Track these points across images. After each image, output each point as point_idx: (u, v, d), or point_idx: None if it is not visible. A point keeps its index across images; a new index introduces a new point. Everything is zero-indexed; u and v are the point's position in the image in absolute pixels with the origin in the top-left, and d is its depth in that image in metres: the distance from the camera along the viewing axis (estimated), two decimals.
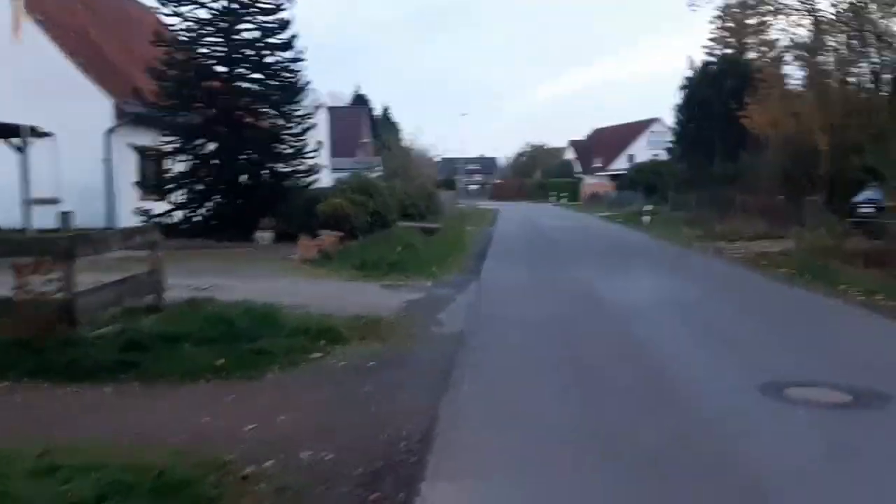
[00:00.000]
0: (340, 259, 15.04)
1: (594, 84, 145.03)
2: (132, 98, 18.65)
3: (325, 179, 27.86)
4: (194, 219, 18.65)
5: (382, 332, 7.87)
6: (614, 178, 75.44)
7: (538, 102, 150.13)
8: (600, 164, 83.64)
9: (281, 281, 11.99)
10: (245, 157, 19.10)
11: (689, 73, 38.94)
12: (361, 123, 66.25)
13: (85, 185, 20.65)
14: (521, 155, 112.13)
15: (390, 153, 47.59)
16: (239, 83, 19.23)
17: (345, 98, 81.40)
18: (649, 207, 32.65)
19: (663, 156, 68.29)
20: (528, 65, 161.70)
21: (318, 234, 16.96)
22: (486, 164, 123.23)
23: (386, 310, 9.32)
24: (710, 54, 39.87)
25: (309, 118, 19.91)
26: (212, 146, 18.92)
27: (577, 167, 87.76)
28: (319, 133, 44.58)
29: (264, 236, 17.28)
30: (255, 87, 19.41)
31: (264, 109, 19.44)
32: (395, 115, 70.19)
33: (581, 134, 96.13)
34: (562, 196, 70.88)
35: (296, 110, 19.75)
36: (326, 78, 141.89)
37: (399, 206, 30.99)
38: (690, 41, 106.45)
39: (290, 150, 19.66)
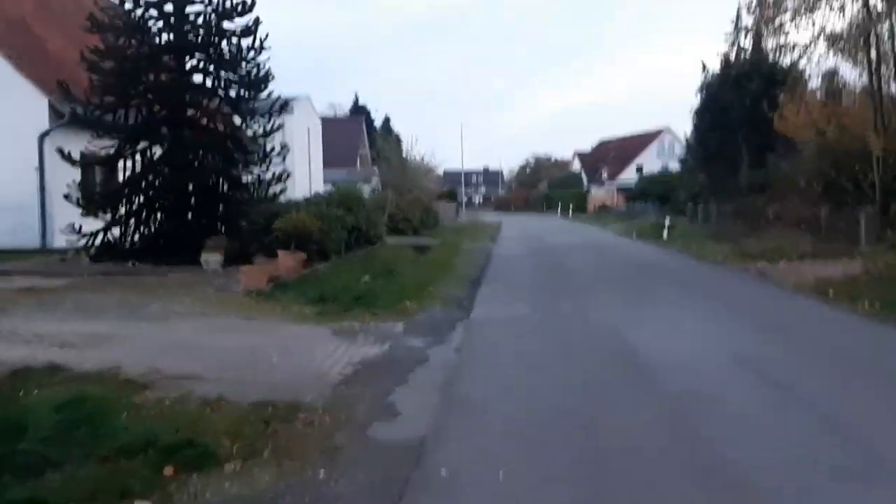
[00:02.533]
0: (297, 289, 11.95)
1: (600, 95, 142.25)
2: (60, 94, 15.62)
3: (315, 192, 24.80)
4: (133, 238, 15.56)
5: (287, 440, 4.71)
6: (623, 189, 72.65)
7: (543, 114, 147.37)
8: (608, 176, 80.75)
9: (197, 326, 8.88)
10: (197, 163, 16.05)
11: (704, 79, 36.00)
12: (359, 134, 63.47)
13: (15, 198, 17.74)
14: (525, 166, 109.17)
15: (388, 164, 44.61)
16: (190, 76, 16.18)
17: (345, 109, 78.92)
18: (667, 221, 29.45)
19: (674, 166, 65.57)
20: (531, 76, 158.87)
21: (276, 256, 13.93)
22: (490, 176, 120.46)
23: (318, 385, 6.20)
24: (727, 57, 36.76)
25: (274, 117, 16.81)
26: (157, 151, 15.87)
27: (584, 179, 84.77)
28: (298, 140, 41.95)
29: (211, 259, 14.18)
30: (209, 80, 16.36)
31: (220, 108, 16.36)
32: (397, 126, 67.11)
33: (587, 145, 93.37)
34: (568, 208, 67.69)
35: (259, 108, 16.68)
36: (326, 89, 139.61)
37: (389, 221, 28.02)
38: (698, 49, 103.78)
39: (250, 156, 16.57)
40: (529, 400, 5.91)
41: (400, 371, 6.79)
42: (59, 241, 16.57)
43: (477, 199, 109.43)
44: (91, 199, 15.22)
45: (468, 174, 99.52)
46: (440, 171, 64.44)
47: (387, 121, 74.69)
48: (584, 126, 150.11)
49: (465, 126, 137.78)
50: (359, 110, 74.65)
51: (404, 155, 46.57)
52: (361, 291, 11.64)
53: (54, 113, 17.62)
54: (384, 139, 48.97)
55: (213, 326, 8.86)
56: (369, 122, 70.90)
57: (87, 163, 15.69)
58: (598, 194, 76.23)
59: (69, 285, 12.12)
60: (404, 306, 10.63)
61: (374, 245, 21.02)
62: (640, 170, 74.43)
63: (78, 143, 15.78)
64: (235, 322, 9.25)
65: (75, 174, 16.03)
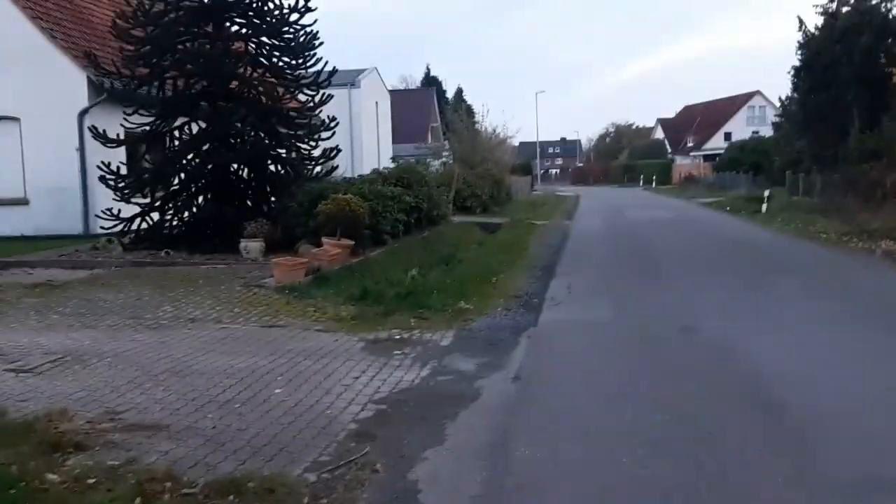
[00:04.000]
0: (338, 283, 10.31)
1: (683, 59, 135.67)
2: (92, 67, 14.35)
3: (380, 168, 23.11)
4: (172, 223, 14.25)
5: None
6: (710, 158, 68.58)
7: (622, 81, 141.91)
8: (693, 144, 76.55)
9: (203, 338, 7.29)
10: (239, 139, 14.57)
11: (804, 35, 32.42)
12: (430, 106, 61.73)
13: (56, 180, 16.75)
14: (605, 136, 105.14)
15: (459, 137, 42.69)
16: (230, 43, 14.64)
17: (416, 82, 77.17)
18: (766, 193, 26.52)
19: (766, 132, 61.15)
20: (609, 43, 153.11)
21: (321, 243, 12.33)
22: (568, 147, 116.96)
23: (319, 441, 4.47)
24: (826, 12, 32.90)
25: (325, 86, 15.11)
26: (196, 128, 14.46)
27: (668, 147, 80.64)
28: (365, 114, 40.43)
29: (250, 247, 12.68)
30: (251, 48, 14.80)
31: (264, 78, 14.79)
32: (470, 98, 64.88)
33: (671, 112, 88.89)
34: (651, 180, 64.24)
35: (307, 77, 15.03)
36: (399, 62, 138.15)
37: (456, 198, 26.17)
38: (789, 6, 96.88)
39: (299, 130, 14.97)
40: (617, 473, 4.01)
41: (437, 416, 4.97)
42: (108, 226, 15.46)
43: (554, 171, 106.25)
44: (124, 181, 13.94)
45: (544, 146, 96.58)
46: (515, 143, 62.11)
47: (459, 92, 72.60)
48: (666, 91, 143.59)
49: (541, 96, 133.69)
50: (430, 82, 72.72)
51: (476, 126, 44.50)
52: (411, 287, 9.87)
53: (94, 89, 16.45)
54: (454, 110, 46.91)
55: (221, 339, 7.25)
56: (441, 94, 68.95)
57: (124, 142, 14.38)
58: (684, 164, 72.26)
59: (88, 279, 10.84)
60: (459, 307, 8.79)
61: (437, 226, 19.24)
62: (728, 137, 70.25)
63: (121, 121, 14.53)
64: (251, 332, 7.62)
65: (120, 154, 14.85)
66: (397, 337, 7.49)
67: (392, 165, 20.54)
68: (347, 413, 5.04)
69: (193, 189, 14.37)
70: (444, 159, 41.92)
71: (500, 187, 32.44)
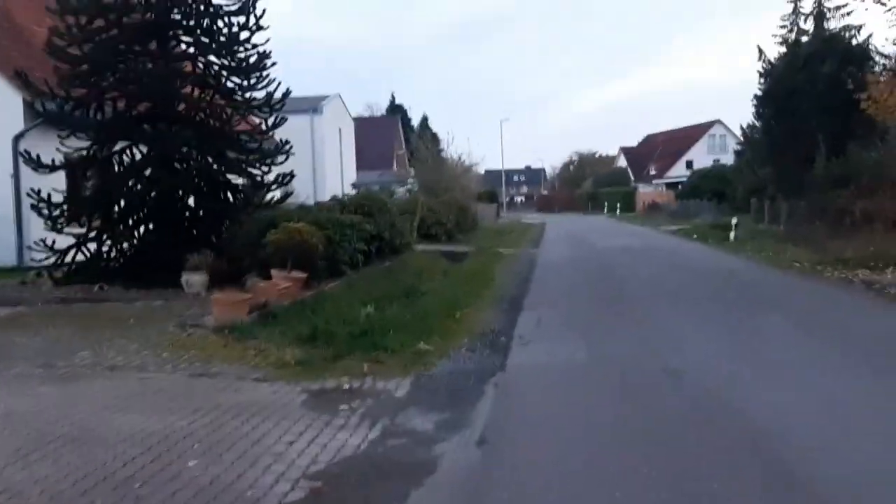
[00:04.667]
0: (286, 321, 9.35)
1: (644, 89, 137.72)
2: (19, 85, 13.31)
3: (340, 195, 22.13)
4: (110, 255, 13.15)
5: None
6: (672, 186, 68.99)
7: (585, 110, 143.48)
8: (655, 172, 77.05)
9: (118, 391, 6.30)
10: (185, 165, 13.59)
11: (766, 64, 32.55)
12: (394, 134, 61.15)
13: None
14: (569, 164, 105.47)
15: (424, 165, 41.96)
16: (176, 63, 13.71)
17: (381, 109, 76.61)
18: (735, 221, 26.18)
19: (726, 160, 61.69)
20: (572, 72, 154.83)
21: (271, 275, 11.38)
22: (532, 175, 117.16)
23: None
24: (785, 41, 33.10)
25: (278, 109, 14.22)
26: (137, 152, 13.44)
27: (631, 175, 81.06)
28: (328, 140, 39.55)
29: (192, 280, 11.65)
30: (199, 67, 13.88)
31: (213, 100, 13.86)
32: (436, 126, 64.38)
33: (633, 140, 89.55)
34: (615, 207, 64.21)
35: (259, 99, 14.14)
36: (364, 91, 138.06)
37: (421, 225, 25.34)
38: (746, 37, 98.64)
39: (249, 155, 14.04)
40: None
41: (383, 497, 4.06)
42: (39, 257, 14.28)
43: (519, 198, 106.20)
44: (56, 209, 12.83)
45: (509, 173, 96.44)
46: (480, 171, 61.70)
47: (424, 120, 72.13)
48: (628, 121, 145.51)
49: (506, 124, 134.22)
50: (395, 110, 72.21)
51: (441, 153, 43.91)
52: (367, 325, 8.94)
53: (31, 112, 15.34)
54: (419, 137, 46.32)
55: (139, 393, 6.25)
56: (406, 121, 68.43)
57: (57, 167, 13.27)
58: (647, 192, 72.56)
59: (6, 318, 9.74)
60: (418, 349, 7.88)
61: (400, 255, 18.35)
62: (690, 165, 70.83)
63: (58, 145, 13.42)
64: (177, 383, 6.63)
65: (61, 182, 13.75)
66: (346, 387, 6.56)
67: (353, 192, 19.61)
68: (273, 494, 4.10)
69: (134, 218, 13.33)
70: (409, 186, 41.21)
71: (466, 215, 31.73)
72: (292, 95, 14.68)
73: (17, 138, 15.29)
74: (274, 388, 6.49)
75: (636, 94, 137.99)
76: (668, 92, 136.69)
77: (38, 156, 13.08)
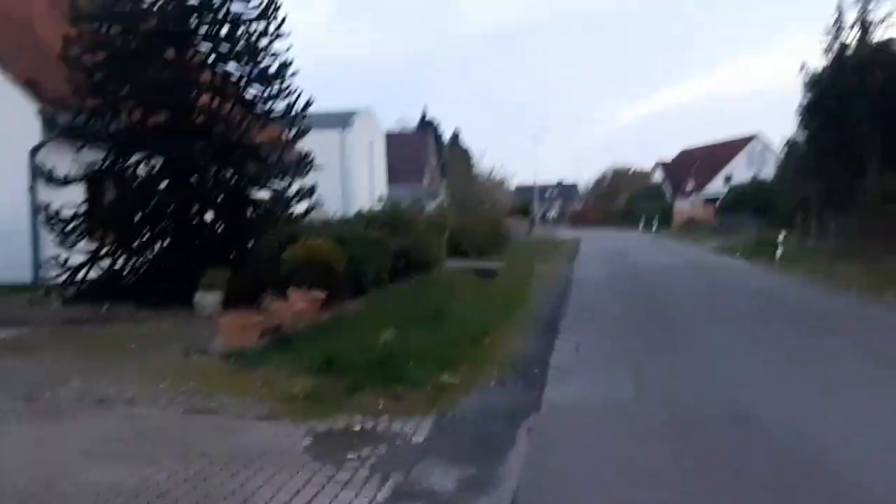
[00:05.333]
0: (300, 346, 8.56)
1: (681, 103, 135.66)
2: (32, 95, 12.83)
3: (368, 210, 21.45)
4: (123, 273, 12.54)
5: None
6: (710, 201, 67.38)
7: (620, 124, 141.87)
8: (693, 187, 75.38)
9: (101, 431, 5.55)
10: (202, 178, 12.97)
11: (804, 76, 31.31)
12: (426, 148, 60.65)
13: (5, 224, 15.06)
14: (602, 179, 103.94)
15: (455, 179, 41.26)
16: (194, 72, 13.14)
17: (413, 124, 76.29)
18: (781, 237, 24.91)
19: (766, 174, 60.03)
20: (607, 86, 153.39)
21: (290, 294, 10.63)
22: (566, 191, 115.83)
23: None
24: (829, 49, 31.76)
25: (300, 120, 13.56)
26: (153, 165, 12.86)
27: (667, 191, 79.48)
28: (358, 155, 39.04)
29: (205, 300, 10.96)
30: (217, 75, 13.28)
31: (232, 111, 13.24)
32: (467, 141, 63.75)
33: (669, 155, 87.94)
34: (651, 223, 62.74)
35: (280, 110, 13.49)
36: (396, 106, 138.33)
37: (451, 241, 24.51)
38: (784, 50, 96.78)
39: (270, 168, 13.38)
40: None
41: None
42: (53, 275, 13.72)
43: (552, 214, 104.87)
44: (67, 224, 12.27)
45: (542, 189, 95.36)
46: (512, 186, 60.85)
47: (456, 135, 71.61)
48: (664, 136, 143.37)
49: (538, 139, 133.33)
50: (426, 124, 71.81)
51: (473, 168, 43.19)
52: (386, 352, 8.10)
53: (48, 123, 14.89)
54: (450, 151, 45.67)
55: (122, 435, 5.49)
56: (437, 136, 68.00)
57: (71, 181, 12.73)
58: (684, 207, 70.91)
59: (5, 342, 9.09)
60: (442, 382, 7.02)
61: (428, 272, 17.55)
62: (728, 180, 69.20)
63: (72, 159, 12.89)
64: (167, 422, 5.86)
65: (76, 195, 13.22)
66: (357, 428, 5.73)
67: (378, 207, 18.89)
68: None
69: (148, 234, 12.70)
70: (439, 201, 40.50)
71: (498, 230, 30.81)
72: (323, 110, 14.06)
73: (34, 151, 14.81)
74: (276, 430, 5.68)
75: (672, 108, 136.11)
76: (705, 106, 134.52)
77: (52, 169, 12.58)
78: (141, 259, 12.63)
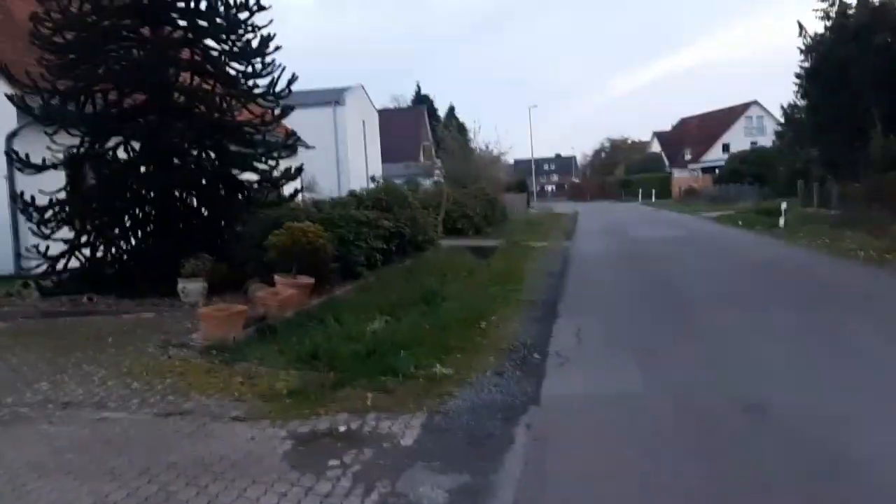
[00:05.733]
0: (286, 336, 8.13)
1: (675, 73, 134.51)
2: (7, 79, 12.23)
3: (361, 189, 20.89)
4: (104, 261, 12.02)
5: None
6: (709, 170, 66.89)
7: (615, 95, 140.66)
8: (691, 157, 74.85)
9: (60, 441, 5.11)
10: (183, 161, 12.42)
11: (802, 42, 30.59)
12: (420, 125, 59.95)
13: None
14: (600, 151, 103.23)
15: (451, 155, 40.63)
16: (172, 49, 12.52)
17: (407, 101, 75.28)
18: (784, 205, 24.43)
19: (764, 142, 59.47)
20: (601, 58, 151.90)
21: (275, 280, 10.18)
22: (563, 164, 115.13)
23: None
24: (826, 16, 31.02)
25: (283, 97, 12.97)
26: (132, 149, 12.30)
27: (665, 161, 78.85)
28: (351, 133, 38.37)
29: (189, 288, 10.47)
30: (197, 54, 12.67)
31: (214, 89, 12.65)
32: (463, 116, 62.78)
33: (666, 125, 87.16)
34: (650, 194, 62.22)
35: (262, 87, 12.89)
36: (389, 83, 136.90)
37: (446, 219, 24.02)
38: (778, 18, 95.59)
39: (255, 148, 12.82)
40: None
41: None
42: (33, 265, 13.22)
43: (549, 188, 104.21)
44: (44, 212, 11.75)
45: (539, 162, 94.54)
46: (509, 160, 60.18)
47: (451, 110, 70.70)
48: (660, 106, 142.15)
49: (534, 112, 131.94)
50: (421, 100, 70.91)
51: (468, 144, 42.48)
52: (376, 341, 7.65)
53: (24, 107, 14.30)
54: (445, 127, 44.93)
55: (85, 444, 5.04)
56: (432, 112, 67.15)
57: (46, 167, 12.17)
58: (682, 177, 70.41)
59: None
60: (434, 372, 6.57)
61: (423, 252, 17.08)
62: (726, 148, 68.82)
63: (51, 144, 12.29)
64: (136, 427, 5.41)
65: (56, 182, 12.66)
66: (342, 428, 5.28)
67: (371, 186, 18.35)
68: None
69: (129, 221, 12.18)
70: (435, 178, 39.91)
71: (494, 206, 30.32)
72: (314, 88, 13.50)
73: (11, 137, 14.25)
74: (253, 432, 5.23)
75: (667, 78, 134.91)
76: (700, 75, 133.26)
77: (26, 155, 12.04)
78: (122, 247, 12.12)
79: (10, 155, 12.10)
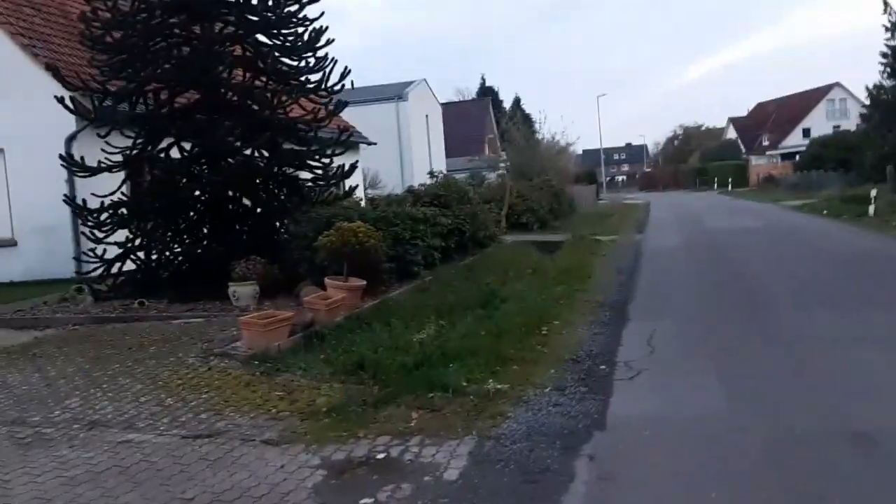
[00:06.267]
0: (335, 343, 7.63)
1: (750, 56, 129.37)
2: (60, 81, 12.11)
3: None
4: (157, 265, 11.83)
5: None
6: (788, 157, 63.89)
7: (688, 81, 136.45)
8: (769, 143, 71.64)
9: (73, 464, 4.69)
10: (236, 161, 12.10)
11: (888, 19, 28.57)
12: (485, 118, 59.09)
13: (45, 217, 14.63)
14: (672, 139, 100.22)
15: (516, 148, 39.77)
16: (222, 46, 12.22)
17: (471, 93, 74.57)
18: (874, 192, 22.71)
19: (848, 126, 56.30)
20: (671, 43, 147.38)
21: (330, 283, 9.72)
22: (634, 153, 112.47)
23: None
24: None
25: (336, 92, 12.51)
26: (184, 149, 12.07)
27: (742, 148, 75.79)
28: (414, 127, 37.96)
29: (240, 292, 10.12)
30: (248, 50, 12.35)
31: (266, 87, 12.30)
32: (528, 107, 61.69)
33: (742, 110, 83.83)
34: (727, 182, 59.80)
35: (316, 83, 12.46)
36: (453, 77, 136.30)
37: (510, 214, 23.28)
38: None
39: (309, 146, 12.43)
40: None
41: None
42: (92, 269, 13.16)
43: (620, 178, 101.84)
44: (98, 216, 11.63)
45: (609, 152, 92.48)
46: (577, 151, 58.80)
47: (517, 101, 69.66)
48: (736, 90, 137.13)
49: (603, 101, 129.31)
50: (486, 92, 70.05)
51: (534, 135, 41.47)
52: (424, 352, 7.05)
53: (73, 109, 14.32)
54: (510, 118, 44.03)
55: (99, 470, 4.61)
56: (497, 104, 66.19)
57: (100, 170, 12.04)
58: (760, 164, 67.56)
59: (23, 346, 8.44)
60: (487, 389, 5.92)
61: (485, 249, 16.44)
62: (807, 133, 65.44)
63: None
64: (159, 451, 4.95)
65: (112, 185, 12.57)
66: (381, 455, 4.71)
67: (431, 181, 17.81)
68: None
69: (181, 223, 11.95)
70: (500, 171, 39.14)
71: (561, 199, 29.37)
72: (377, 83, 12.99)
73: (70, 140, 14.28)
74: (284, 460, 4.70)
75: (742, 63, 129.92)
76: (776, 57, 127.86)
77: (81, 158, 11.99)
78: (176, 250, 11.91)
79: (65, 158, 12.02)
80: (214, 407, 5.89)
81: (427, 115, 40.73)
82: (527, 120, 46.16)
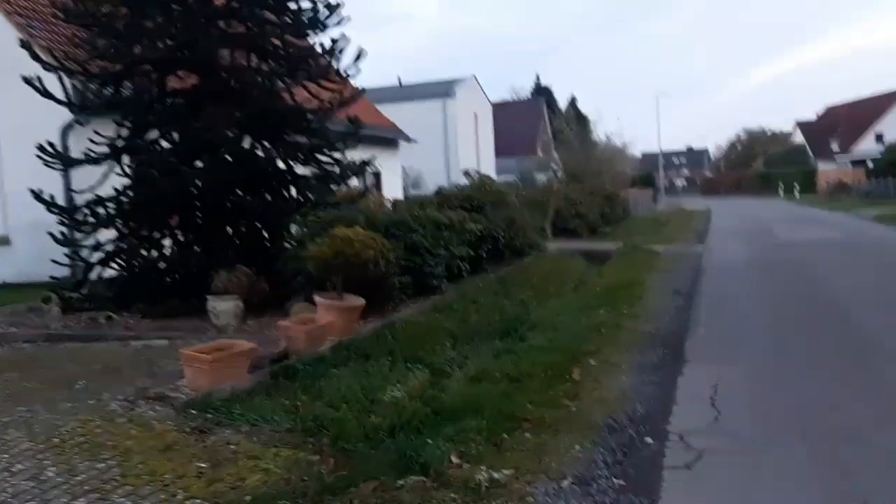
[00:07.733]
0: (307, 384, 6.00)
1: (818, 59, 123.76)
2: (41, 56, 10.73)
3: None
4: (137, 271, 10.33)
5: None
6: (859, 163, 60.01)
7: (752, 84, 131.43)
8: (839, 148, 67.57)
9: None
10: (236, 154, 10.54)
11: None
12: (538, 117, 57.03)
13: (39, 214, 13.32)
14: (735, 143, 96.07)
15: (569, 149, 37.74)
16: (223, 23, 10.68)
17: (526, 93, 72.52)
18: None
19: None
20: (735, 45, 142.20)
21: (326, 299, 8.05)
22: (694, 157, 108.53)
23: None
24: None
25: (351, 77, 10.87)
26: (177, 138, 10.57)
27: (810, 153, 71.91)
28: (462, 126, 36.25)
29: (219, 308, 8.50)
30: (248, 26, 10.78)
31: (273, 72, 10.73)
32: (584, 108, 59.27)
33: (810, 114, 79.66)
34: (793, 189, 56.45)
35: (327, 65, 10.84)
36: (510, 76, 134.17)
37: (556, 219, 21.35)
38: None
39: (315, 139, 10.81)
40: None
41: None
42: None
43: (680, 182, 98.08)
44: (75, 214, 10.23)
45: (668, 155, 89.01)
46: (636, 154, 56.26)
47: (572, 101, 67.18)
48: (803, 93, 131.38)
49: (663, 104, 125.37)
50: (540, 92, 67.84)
51: (589, 136, 39.34)
52: (403, 411, 5.28)
53: (79, 98, 12.99)
54: (565, 119, 41.96)
55: None
56: (552, 104, 63.92)
57: (80, 162, 10.62)
58: (829, 170, 63.69)
59: None
60: (481, 478, 4.13)
61: (523, 258, 14.61)
62: (880, 138, 61.34)
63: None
64: None
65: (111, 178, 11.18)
66: None
67: (465, 182, 16.05)
68: None
69: (164, 225, 10.42)
70: (551, 173, 37.17)
71: (614, 204, 27.28)
72: (424, 80, 11.30)
73: (66, 130, 13.01)
74: None
75: (810, 66, 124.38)
76: (846, 60, 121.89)
77: (65, 148, 10.65)
78: (154, 255, 10.38)
79: (45, 148, 10.64)
80: (106, 484, 4.26)
81: (476, 114, 39.06)
82: (581, 120, 44.05)
